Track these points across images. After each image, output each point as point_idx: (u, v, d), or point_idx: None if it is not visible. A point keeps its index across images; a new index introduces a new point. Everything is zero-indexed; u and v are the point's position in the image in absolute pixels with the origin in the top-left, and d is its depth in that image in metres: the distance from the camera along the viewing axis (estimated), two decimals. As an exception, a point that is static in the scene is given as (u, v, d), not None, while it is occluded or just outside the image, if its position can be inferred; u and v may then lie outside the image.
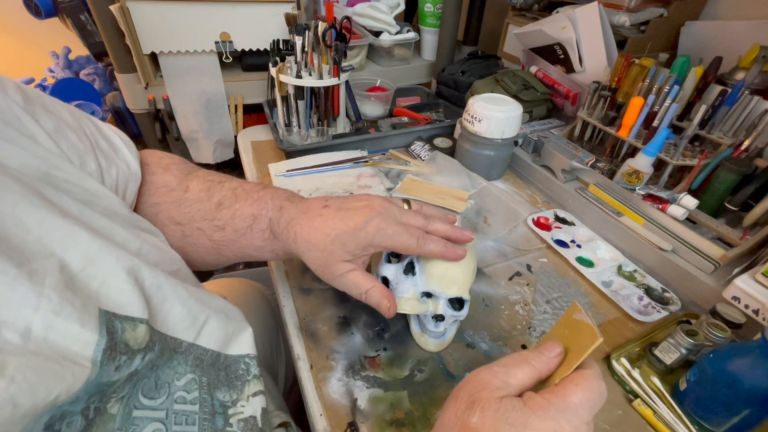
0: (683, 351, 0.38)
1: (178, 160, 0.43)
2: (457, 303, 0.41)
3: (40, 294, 0.20)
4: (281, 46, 0.71)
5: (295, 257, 0.42)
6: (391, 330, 0.43)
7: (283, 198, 0.40)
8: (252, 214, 0.39)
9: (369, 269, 0.46)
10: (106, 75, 1.25)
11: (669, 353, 0.39)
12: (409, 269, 0.40)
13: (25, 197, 0.23)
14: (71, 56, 1.27)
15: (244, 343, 0.35)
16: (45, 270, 0.21)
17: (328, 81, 0.68)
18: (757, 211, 0.50)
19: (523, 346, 0.43)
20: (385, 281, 0.41)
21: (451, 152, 0.73)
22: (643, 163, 0.58)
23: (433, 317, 0.41)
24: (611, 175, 0.64)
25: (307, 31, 0.64)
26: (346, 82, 0.73)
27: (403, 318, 0.44)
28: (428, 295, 0.40)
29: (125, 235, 0.29)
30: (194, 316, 0.31)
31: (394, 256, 0.42)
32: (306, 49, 0.66)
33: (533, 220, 0.60)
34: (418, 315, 0.42)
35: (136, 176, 0.36)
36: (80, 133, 0.31)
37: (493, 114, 0.61)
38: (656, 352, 0.40)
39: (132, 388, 0.25)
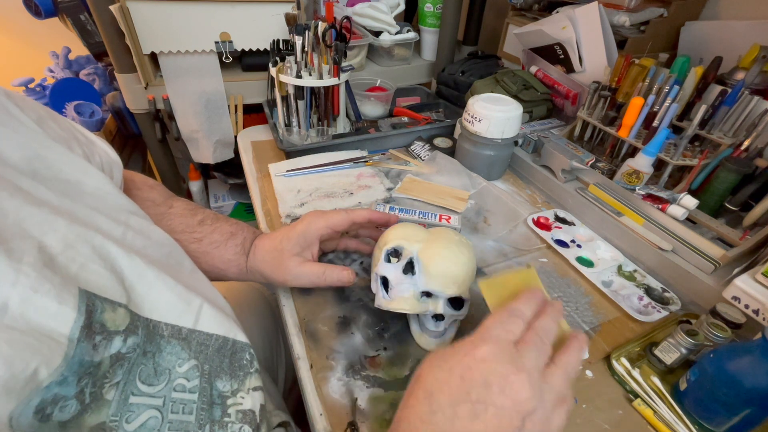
0: (683, 351, 0.38)
1: (162, 185, 0.47)
2: (456, 302, 0.41)
3: (18, 270, 0.21)
4: (281, 46, 0.71)
5: (255, 277, 0.45)
6: (391, 330, 0.43)
7: (255, 229, 0.47)
8: (230, 231, 0.44)
9: (368, 270, 0.46)
10: (106, 75, 1.25)
11: (669, 353, 0.39)
12: (409, 269, 0.40)
13: (1, 187, 0.23)
14: (71, 56, 1.27)
15: (244, 335, 0.35)
16: (22, 249, 0.22)
17: (328, 81, 0.68)
18: (757, 211, 0.50)
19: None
20: (385, 281, 0.41)
21: (451, 152, 0.73)
22: (643, 163, 0.58)
23: (432, 317, 0.41)
24: (611, 175, 0.64)
25: (307, 31, 0.64)
26: (346, 82, 0.73)
27: (403, 318, 0.44)
28: (428, 294, 0.40)
29: (108, 223, 0.29)
30: (187, 301, 0.31)
31: (394, 256, 0.42)
32: (306, 49, 0.66)
33: (533, 220, 0.60)
34: (417, 314, 0.42)
35: (118, 163, 0.38)
36: (59, 125, 0.33)
37: (493, 114, 0.61)
38: (656, 352, 0.40)
39: (128, 374, 0.25)
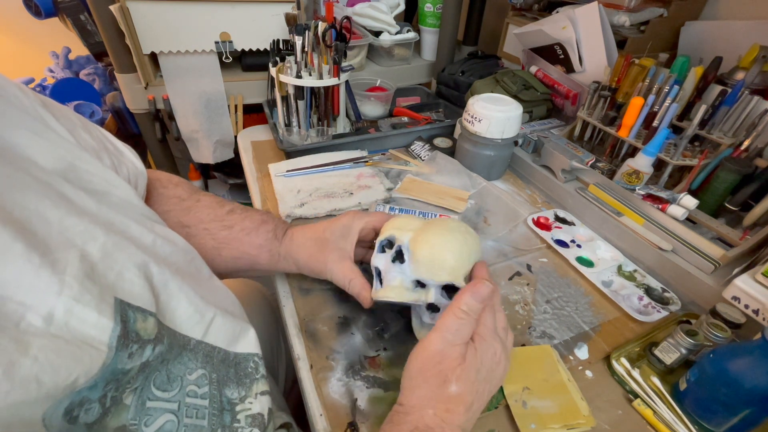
0: (683, 351, 0.38)
1: (187, 181, 0.47)
2: (451, 291, 0.39)
3: (62, 281, 0.22)
4: (281, 46, 0.71)
5: (287, 264, 0.45)
6: (391, 330, 0.43)
7: (285, 220, 0.48)
8: (261, 219, 0.45)
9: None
10: (106, 75, 1.25)
11: (669, 353, 0.39)
12: (398, 257, 0.40)
13: (47, 195, 0.24)
14: (71, 56, 1.27)
15: (250, 343, 0.36)
16: (66, 260, 0.23)
17: (328, 81, 0.68)
18: (757, 211, 0.50)
19: (523, 345, 0.43)
20: (378, 271, 0.41)
21: (451, 152, 0.73)
22: (643, 163, 0.58)
23: (427, 308, 0.39)
24: (611, 175, 0.64)
25: (307, 31, 0.64)
26: (346, 82, 0.73)
27: (403, 318, 0.44)
28: (422, 285, 0.39)
29: (139, 230, 0.30)
30: (201, 313, 0.31)
31: (388, 247, 0.42)
32: (306, 49, 0.66)
33: (533, 220, 0.60)
34: (417, 309, 0.41)
35: (143, 174, 0.39)
36: (91, 134, 0.33)
37: (493, 114, 0.61)
38: (656, 352, 0.40)
39: (144, 380, 0.26)
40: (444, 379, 0.31)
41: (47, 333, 0.20)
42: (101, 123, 1.12)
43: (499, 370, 0.33)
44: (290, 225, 0.47)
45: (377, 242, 0.42)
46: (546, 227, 0.59)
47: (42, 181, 0.25)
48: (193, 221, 0.42)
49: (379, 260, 0.41)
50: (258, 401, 0.33)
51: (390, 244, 0.42)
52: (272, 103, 0.82)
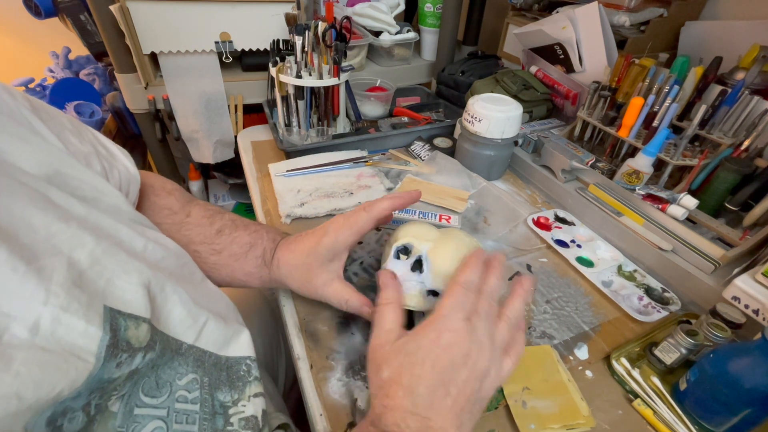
0: (683, 351, 0.38)
1: (180, 188, 0.45)
2: None
3: (48, 290, 0.21)
4: (281, 46, 0.71)
5: (280, 287, 0.44)
6: (391, 330, 0.43)
7: (275, 233, 0.45)
8: (249, 242, 0.43)
9: (379, 265, 0.46)
10: (106, 75, 1.25)
11: (669, 353, 0.39)
12: (417, 266, 0.40)
13: (33, 201, 0.23)
14: (71, 56, 1.27)
15: (242, 346, 0.35)
16: (53, 267, 0.22)
17: (328, 81, 0.68)
18: (757, 211, 0.50)
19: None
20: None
21: (451, 152, 0.73)
22: (643, 163, 0.58)
23: None
24: (611, 175, 0.64)
25: (307, 31, 0.64)
26: (346, 82, 0.73)
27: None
28: (434, 293, 0.40)
29: (130, 235, 0.29)
30: (194, 317, 0.31)
31: (403, 253, 0.42)
32: (306, 49, 0.66)
33: (533, 220, 0.60)
34: (423, 314, 0.42)
35: (136, 178, 0.38)
36: (82, 138, 0.32)
37: (493, 114, 0.61)
38: (656, 352, 0.40)
39: (132, 386, 0.26)
40: (377, 367, 0.31)
41: (32, 344, 0.20)
42: (101, 123, 1.12)
43: (452, 353, 0.29)
44: (278, 244, 0.43)
45: (393, 247, 0.42)
46: (546, 227, 0.59)
47: (28, 187, 0.24)
48: (184, 241, 0.40)
49: (396, 267, 0.41)
50: (251, 403, 0.33)
51: (406, 250, 0.42)
52: (272, 103, 0.82)
